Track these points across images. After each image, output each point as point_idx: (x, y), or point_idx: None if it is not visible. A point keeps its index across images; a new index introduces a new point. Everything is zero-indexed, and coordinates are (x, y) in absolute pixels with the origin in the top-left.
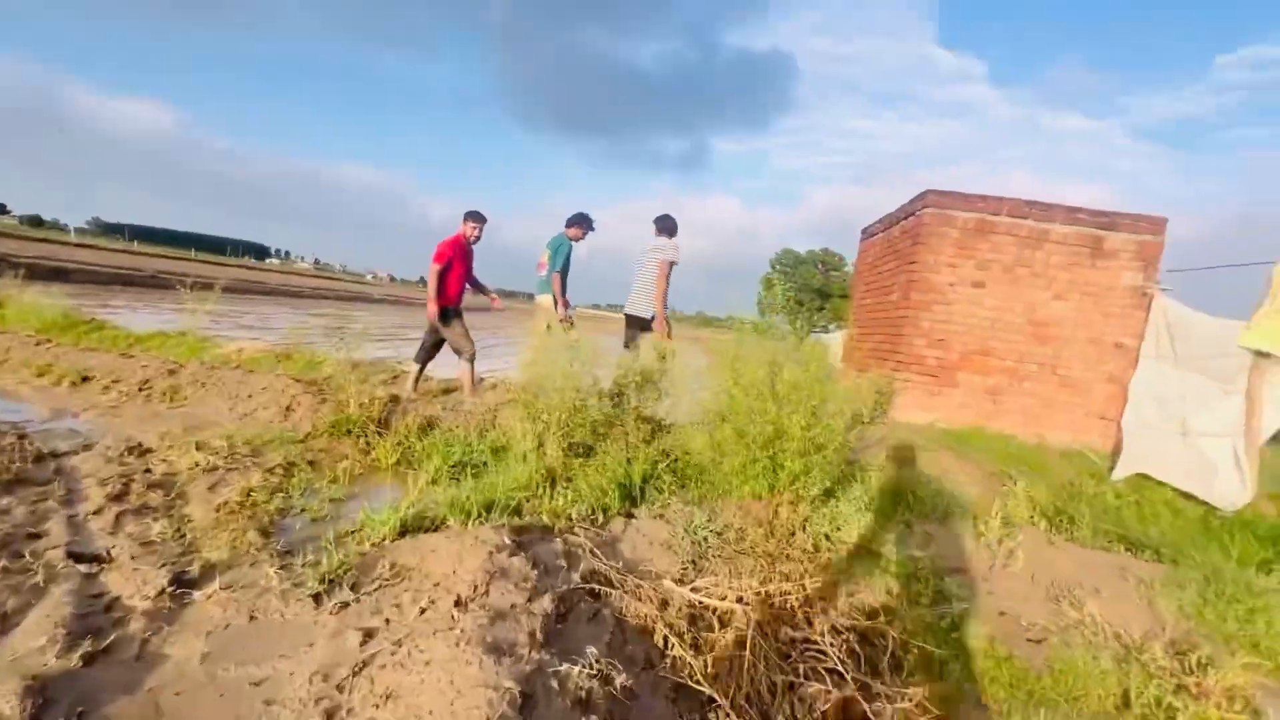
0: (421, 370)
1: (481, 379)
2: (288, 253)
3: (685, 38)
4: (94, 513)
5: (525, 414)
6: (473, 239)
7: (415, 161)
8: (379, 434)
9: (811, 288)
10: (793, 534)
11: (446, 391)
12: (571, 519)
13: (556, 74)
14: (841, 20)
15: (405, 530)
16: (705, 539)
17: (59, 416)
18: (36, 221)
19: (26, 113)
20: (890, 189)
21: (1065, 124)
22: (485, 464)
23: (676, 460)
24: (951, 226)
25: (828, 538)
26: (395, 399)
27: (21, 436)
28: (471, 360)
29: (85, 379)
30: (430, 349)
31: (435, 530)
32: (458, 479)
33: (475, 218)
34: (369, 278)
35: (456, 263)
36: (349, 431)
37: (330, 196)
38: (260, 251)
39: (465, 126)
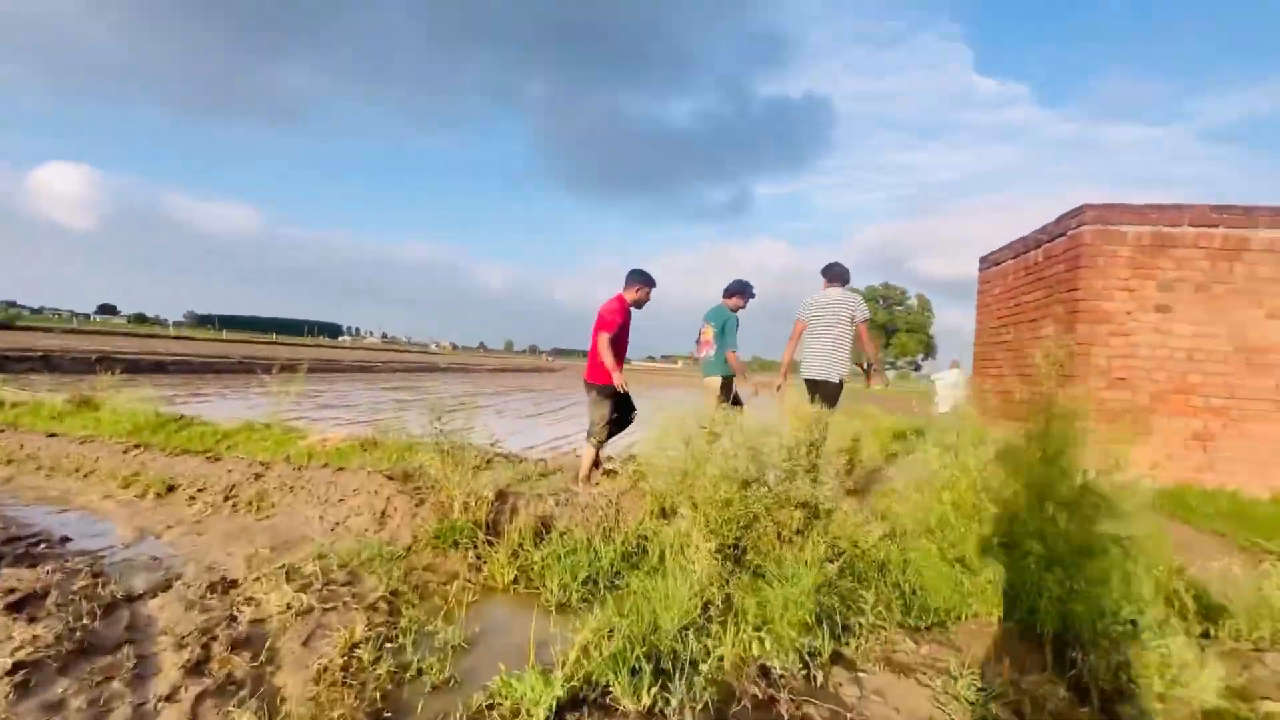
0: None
1: (599, 464)
2: (358, 329)
3: (719, 92)
4: (167, 698)
5: (658, 505)
6: (642, 304)
7: (468, 233)
8: (489, 542)
9: (875, 324)
10: (1109, 698)
11: (545, 475)
12: (770, 674)
13: (596, 139)
14: (873, 59)
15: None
16: (987, 710)
17: (141, 538)
18: (141, 319)
19: (134, 220)
20: (941, 218)
21: (1124, 134)
22: (620, 577)
23: (864, 562)
24: (1120, 244)
25: (1161, 698)
26: (501, 496)
27: (97, 575)
28: (598, 446)
29: (171, 489)
30: (614, 424)
31: (602, 707)
32: (590, 600)
33: (645, 280)
34: (433, 347)
35: (623, 331)
36: (455, 543)
37: (394, 274)
38: (333, 330)
39: (513, 195)
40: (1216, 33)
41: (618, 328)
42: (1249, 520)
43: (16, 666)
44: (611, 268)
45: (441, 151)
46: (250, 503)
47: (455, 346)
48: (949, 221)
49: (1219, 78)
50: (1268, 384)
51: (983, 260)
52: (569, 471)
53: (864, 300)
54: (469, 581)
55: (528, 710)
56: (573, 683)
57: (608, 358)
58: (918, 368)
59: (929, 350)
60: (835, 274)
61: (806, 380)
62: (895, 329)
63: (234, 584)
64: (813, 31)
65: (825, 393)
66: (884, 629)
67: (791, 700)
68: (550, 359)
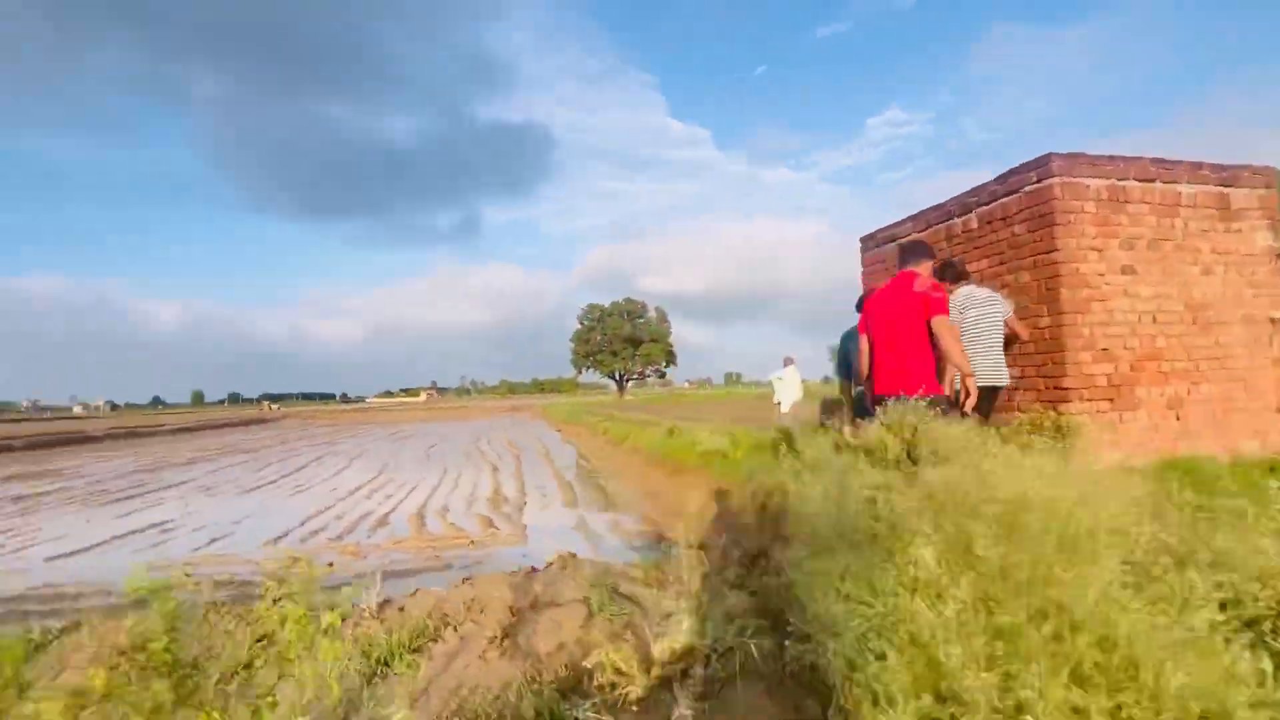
0: None
1: None
2: None
3: (439, 112)
4: None
5: None
6: None
7: (121, 263)
8: None
9: (622, 336)
10: None
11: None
12: None
13: (298, 153)
14: (584, 94)
15: None
16: None
17: None
18: None
19: None
20: (651, 241)
21: (776, 176)
22: None
23: None
24: (1086, 199)
25: None
26: None
27: None
28: None
29: None
30: None
31: None
32: None
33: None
34: (77, 409)
35: None
36: None
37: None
38: None
39: (185, 215)
40: (832, 98)
41: None
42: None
43: None
44: (327, 297)
45: (66, 158)
46: None
47: (114, 406)
48: (659, 244)
49: (831, 137)
50: (1210, 343)
51: (867, 240)
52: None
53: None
54: None
55: None
56: None
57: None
58: (662, 374)
59: (671, 358)
60: (958, 273)
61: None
62: (642, 339)
63: None
64: (527, 61)
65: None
66: None
67: None
68: (273, 407)
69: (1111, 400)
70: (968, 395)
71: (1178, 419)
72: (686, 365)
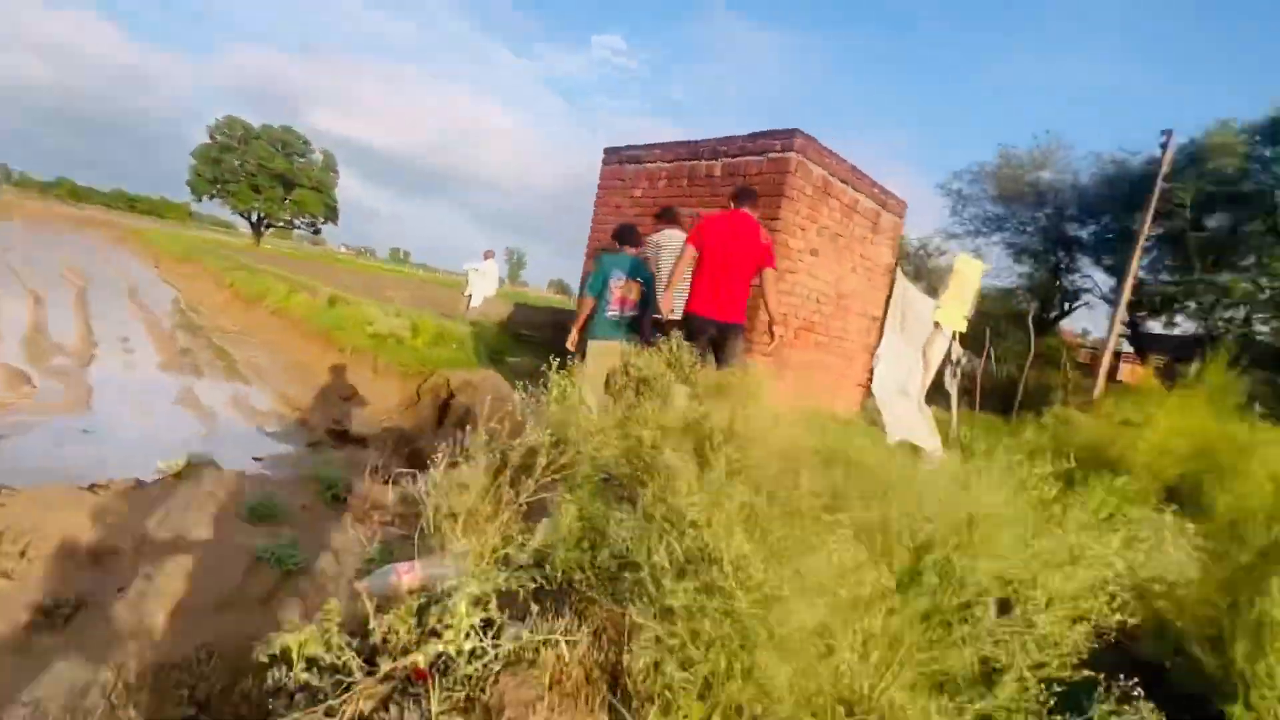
0: None
1: None
2: None
3: None
4: None
5: None
6: None
7: None
8: None
9: (271, 171)
10: None
11: None
12: None
13: None
14: None
15: None
16: None
17: None
18: None
19: None
20: (332, 67)
21: (497, 55)
22: None
23: None
24: (809, 182)
25: None
26: None
27: None
28: None
29: None
30: None
31: None
32: None
33: None
34: None
35: None
36: None
37: None
38: None
39: None
40: None
41: None
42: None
43: None
44: None
45: None
46: None
47: None
48: (342, 75)
49: (559, 35)
50: (842, 325)
51: (611, 153)
52: None
53: None
54: None
55: None
56: None
57: None
58: (317, 230)
59: (332, 214)
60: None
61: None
62: (297, 183)
63: None
64: None
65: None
66: None
67: None
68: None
69: (776, 359)
70: (772, 339)
71: (809, 380)
72: (346, 227)
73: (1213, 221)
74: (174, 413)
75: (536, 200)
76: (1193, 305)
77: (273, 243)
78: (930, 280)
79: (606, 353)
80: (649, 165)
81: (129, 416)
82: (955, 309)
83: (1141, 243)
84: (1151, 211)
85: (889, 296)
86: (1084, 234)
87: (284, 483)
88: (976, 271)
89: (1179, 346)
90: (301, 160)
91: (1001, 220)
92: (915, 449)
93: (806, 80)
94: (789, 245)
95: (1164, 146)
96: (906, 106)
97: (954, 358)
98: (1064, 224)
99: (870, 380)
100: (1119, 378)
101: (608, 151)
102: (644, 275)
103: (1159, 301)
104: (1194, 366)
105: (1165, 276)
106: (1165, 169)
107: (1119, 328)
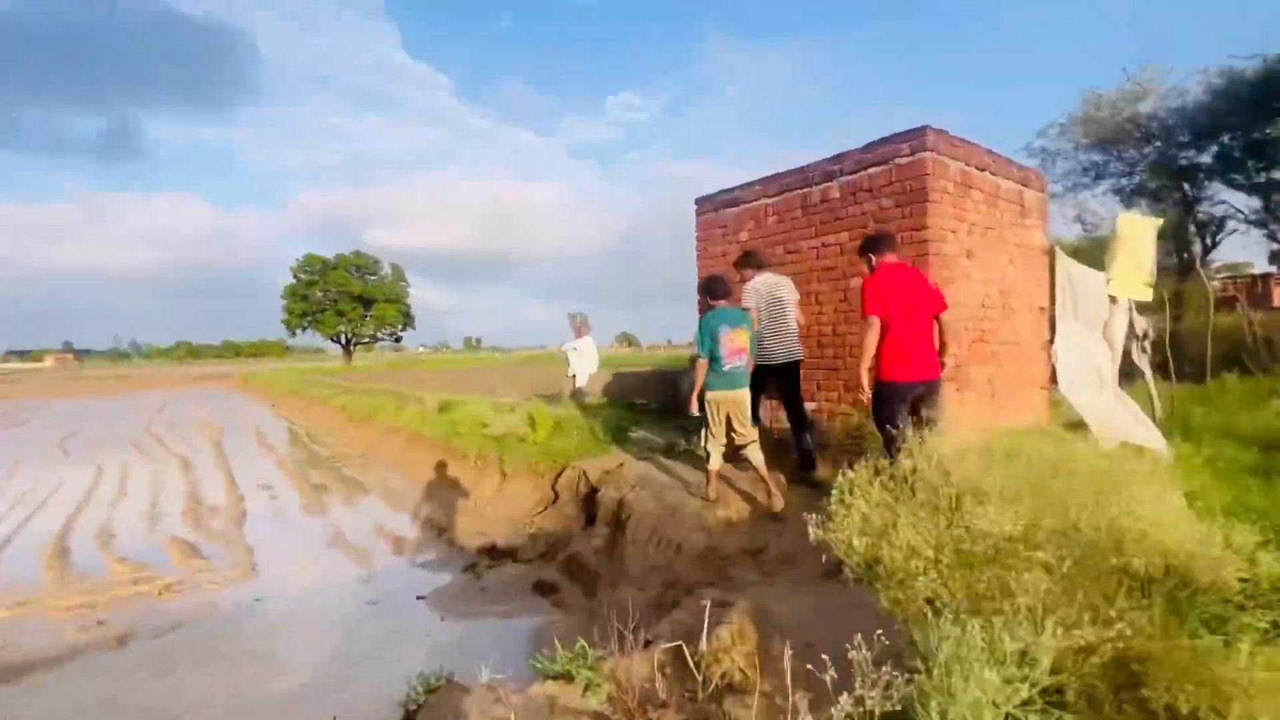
0: None
1: None
2: None
3: None
4: None
5: None
6: None
7: None
8: None
9: (350, 294)
10: None
11: None
12: None
13: None
14: (302, 6)
15: None
16: None
17: None
18: None
19: None
20: (382, 190)
21: (522, 138)
22: None
23: None
24: (948, 179)
25: None
26: None
27: None
28: None
29: None
30: None
31: None
32: None
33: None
34: None
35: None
36: None
37: None
38: None
39: None
40: (577, 68)
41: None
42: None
43: None
44: None
45: None
46: None
47: None
48: (392, 193)
49: (576, 106)
50: (1012, 326)
51: (703, 202)
52: None
53: None
54: None
55: None
56: None
57: None
58: (398, 339)
59: (408, 320)
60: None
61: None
62: (374, 299)
63: None
64: None
65: None
66: None
67: None
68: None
69: (955, 383)
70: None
71: (993, 396)
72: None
73: None
74: (331, 559)
75: (587, 260)
76: None
77: (361, 358)
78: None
79: (728, 402)
80: (751, 204)
81: (292, 573)
82: (1131, 275)
83: None
84: None
85: (1052, 281)
86: (1206, 158)
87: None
88: (1148, 229)
89: None
90: (374, 278)
91: (1101, 167)
92: (1137, 449)
93: (815, 85)
94: (943, 253)
95: None
96: (930, 94)
97: (1139, 330)
98: (1179, 152)
99: (1054, 379)
100: (1276, 303)
101: (700, 201)
102: (746, 322)
103: None
104: None
105: None
106: None
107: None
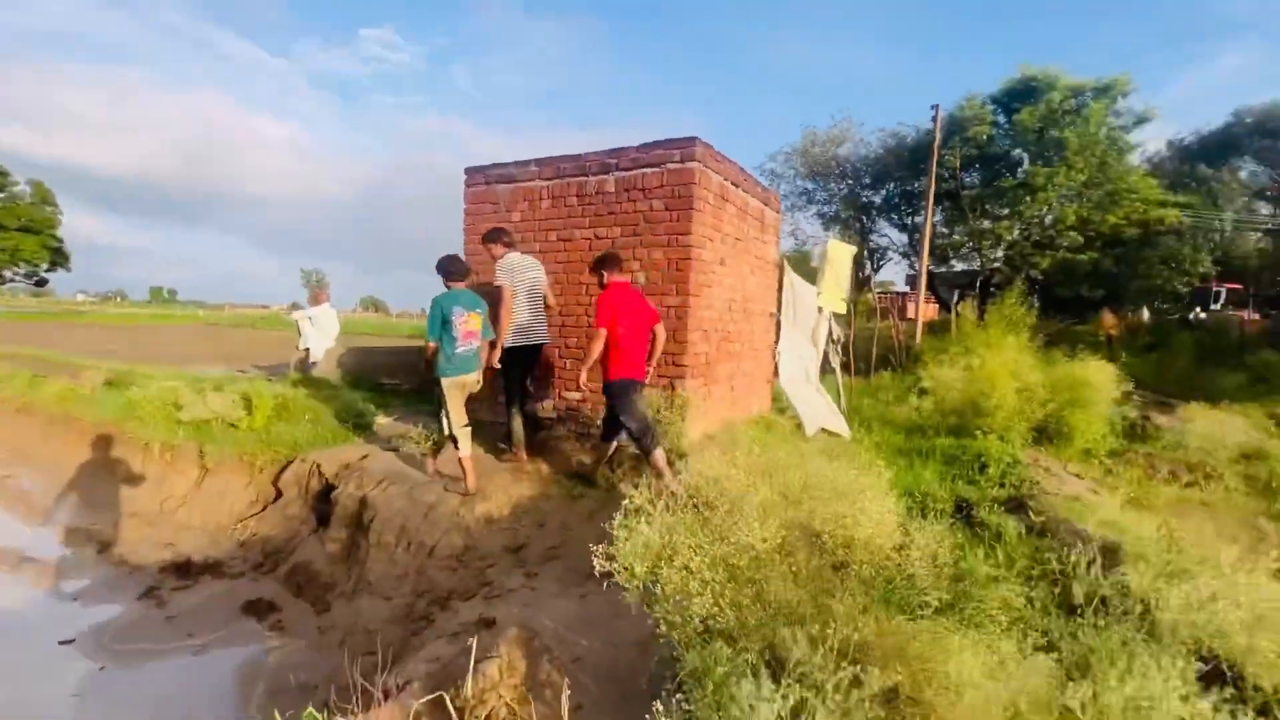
0: None
1: None
2: None
3: None
4: None
5: None
6: None
7: None
8: None
9: None
10: None
11: None
12: None
13: None
14: None
15: None
16: None
17: None
18: None
19: None
20: (25, 72)
21: (247, 52)
22: None
23: None
24: (710, 190)
25: None
26: None
27: None
28: None
29: None
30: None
31: None
32: None
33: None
34: None
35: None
36: None
37: None
38: None
39: None
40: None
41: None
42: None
43: None
44: None
45: None
46: None
47: None
48: (37, 84)
49: (321, 29)
50: (749, 328)
51: (475, 173)
52: None
53: None
54: None
55: None
56: None
57: None
58: (41, 281)
59: (60, 258)
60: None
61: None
62: (1, 224)
63: None
64: None
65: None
66: None
67: None
68: None
69: (704, 378)
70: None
71: (732, 390)
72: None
73: (974, 179)
74: None
75: (328, 212)
76: (966, 249)
77: None
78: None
79: (464, 385)
80: (526, 184)
81: None
82: (834, 291)
83: (931, 202)
84: (933, 175)
85: (779, 291)
86: (877, 199)
87: None
88: (847, 254)
89: (952, 282)
90: (1, 195)
91: (811, 194)
92: (832, 433)
93: (594, 70)
94: (702, 258)
95: (934, 119)
96: (692, 94)
97: (835, 336)
98: (861, 191)
99: (775, 374)
100: (909, 315)
101: (471, 172)
102: (480, 306)
103: (944, 248)
104: (971, 299)
105: (943, 228)
106: (939, 137)
107: (922, 274)
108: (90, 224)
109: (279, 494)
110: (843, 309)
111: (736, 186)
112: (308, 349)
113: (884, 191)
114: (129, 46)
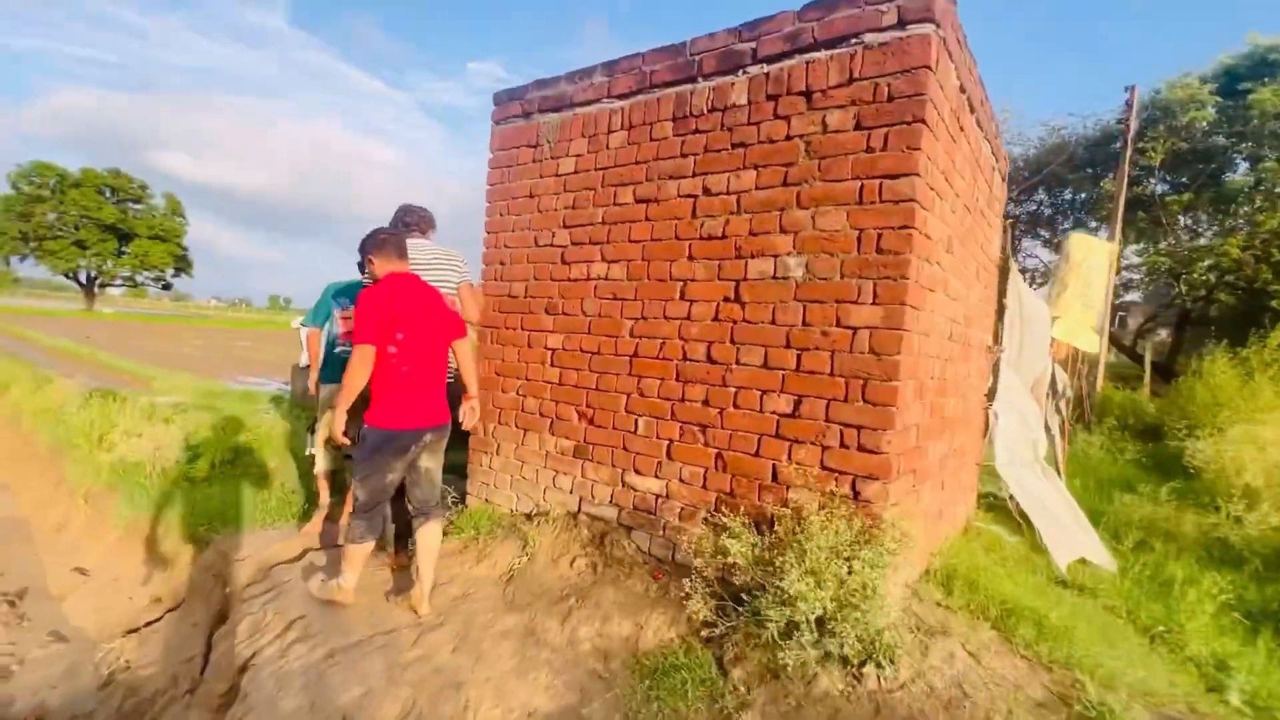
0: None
1: None
2: None
3: None
4: None
5: None
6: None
7: None
8: None
9: (100, 223)
10: None
11: None
12: None
13: None
14: None
15: None
16: None
17: None
18: None
19: None
20: (180, 107)
21: (369, 86)
22: None
23: None
24: (946, 99)
25: None
26: None
27: None
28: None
29: None
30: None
31: None
32: None
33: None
34: None
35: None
36: None
37: None
38: None
39: None
40: (436, 20)
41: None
42: None
43: None
44: None
45: None
46: None
47: None
48: (191, 114)
49: (431, 62)
50: (966, 371)
51: (507, 101)
52: None
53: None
54: None
55: None
56: None
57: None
58: (167, 286)
59: (184, 265)
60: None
61: None
62: (135, 234)
63: None
64: None
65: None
66: None
67: None
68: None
69: (914, 473)
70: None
71: (943, 487)
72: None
73: (1166, 185)
74: None
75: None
76: (1164, 272)
77: (122, 305)
78: None
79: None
80: (586, 108)
81: None
82: (1079, 315)
83: (1121, 210)
84: (1124, 175)
85: (1000, 310)
86: (1021, 210)
87: None
88: (1102, 255)
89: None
90: (139, 207)
91: None
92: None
93: None
94: (928, 232)
95: (1128, 103)
96: None
97: (1060, 388)
98: (1010, 202)
99: (986, 448)
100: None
101: (503, 100)
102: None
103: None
104: (1150, 339)
105: (1129, 246)
106: (1134, 126)
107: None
108: (225, 237)
109: (186, 597)
110: (1094, 344)
111: (972, 111)
112: (305, 367)
113: (1035, 201)
114: (269, 82)
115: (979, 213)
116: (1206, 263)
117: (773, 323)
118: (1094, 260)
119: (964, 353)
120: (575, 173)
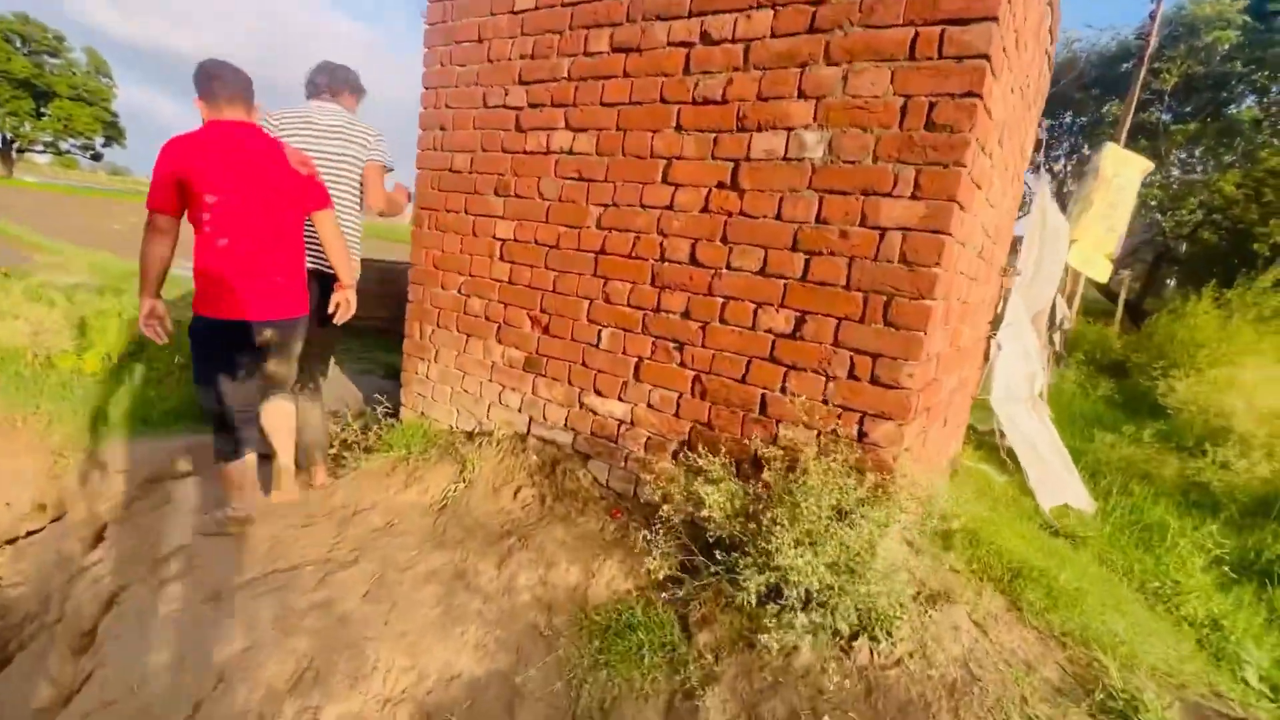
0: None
1: None
2: None
3: None
4: None
5: None
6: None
7: None
8: None
9: (10, 76)
10: None
11: None
12: None
13: None
14: None
15: None
16: None
17: None
18: None
19: None
20: None
21: None
22: None
23: None
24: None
25: None
26: None
27: None
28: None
29: None
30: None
31: None
32: None
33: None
34: None
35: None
36: None
37: None
38: None
39: None
40: None
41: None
42: None
43: None
44: None
45: None
46: None
47: None
48: None
49: None
50: (980, 296)
51: None
52: None
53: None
54: None
55: None
56: None
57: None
58: (97, 156)
59: (115, 133)
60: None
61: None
62: (53, 93)
63: None
64: None
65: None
66: None
67: None
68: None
69: (929, 409)
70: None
71: (944, 424)
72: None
73: (1169, 113)
74: None
75: (391, 110)
76: (1154, 207)
77: (49, 175)
78: None
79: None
80: None
81: None
82: (1100, 237)
83: (1125, 137)
84: (1134, 98)
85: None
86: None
87: None
88: (1136, 171)
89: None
90: (56, 62)
91: None
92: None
93: None
94: (990, 108)
95: (1152, 15)
96: None
97: (1059, 320)
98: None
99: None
100: None
101: None
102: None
103: None
104: (1125, 276)
105: None
106: (1153, 43)
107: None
108: (170, 109)
109: (65, 509)
110: (1105, 273)
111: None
112: None
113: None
114: None
115: (1030, 103)
116: (1198, 198)
117: (778, 218)
118: (1126, 176)
119: (987, 273)
120: (536, 9)
